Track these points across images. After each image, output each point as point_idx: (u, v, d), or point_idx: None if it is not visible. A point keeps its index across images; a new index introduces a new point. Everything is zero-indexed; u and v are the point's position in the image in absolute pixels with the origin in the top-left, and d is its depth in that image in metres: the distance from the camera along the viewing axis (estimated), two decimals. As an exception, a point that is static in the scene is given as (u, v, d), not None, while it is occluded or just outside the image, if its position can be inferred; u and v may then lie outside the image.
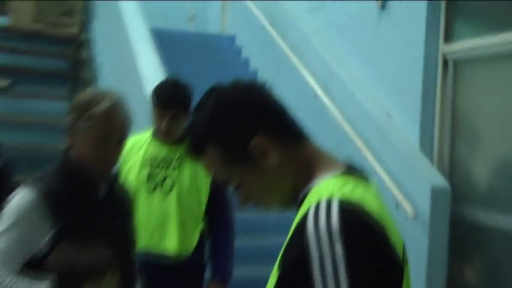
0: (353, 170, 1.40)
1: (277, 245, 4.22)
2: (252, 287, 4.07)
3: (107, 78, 5.98)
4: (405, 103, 4.46)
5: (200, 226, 3.19)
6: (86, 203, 2.10)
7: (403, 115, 4.46)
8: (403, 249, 1.33)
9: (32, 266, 1.99)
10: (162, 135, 3.09)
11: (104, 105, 2.04)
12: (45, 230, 1.99)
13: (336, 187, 1.28)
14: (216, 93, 1.40)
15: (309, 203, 1.27)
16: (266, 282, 4.01)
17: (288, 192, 1.40)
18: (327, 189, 1.29)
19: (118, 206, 2.24)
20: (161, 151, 3.13)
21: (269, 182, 1.38)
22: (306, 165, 1.38)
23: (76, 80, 7.12)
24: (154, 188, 3.09)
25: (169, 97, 3.02)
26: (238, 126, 1.36)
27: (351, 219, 1.20)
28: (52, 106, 6.78)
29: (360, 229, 1.20)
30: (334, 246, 1.16)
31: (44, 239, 1.98)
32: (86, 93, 2.16)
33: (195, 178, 3.12)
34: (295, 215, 1.34)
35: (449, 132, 4.21)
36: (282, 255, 1.27)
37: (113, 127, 2.07)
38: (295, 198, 1.38)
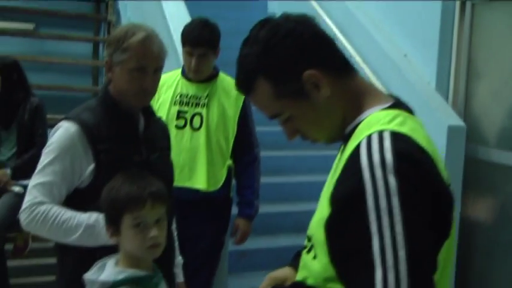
0: (400, 104, 1.38)
1: (295, 183, 4.38)
2: (270, 223, 4.29)
3: (131, 19, 6.02)
4: (422, 44, 4.47)
5: (228, 163, 3.28)
6: (125, 136, 2.11)
7: (420, 56, 4.48)
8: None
9: (74, 198, 2.05)
10: (192, 73, 3.17)
11: (139, 36, 2.04)
12: (87, 163, 2.02)
13: (386, 119, 1.28)
14: (267, 26, 1.36)
15: (360, 135, 1.26)
16: (280, 220, 4.14)
17: (337, 125, 1.38)
18: (377, 121, 1.28)
19: (156, 140, 2.25)
20: (190, 89, 3.23)
21: (320, 115, 1.36)
22: (355, 98, 1.37)
23: (99, 22, 7.15)
24: (184, 125, 3.18)
25: (198, 36, 3.10)
26: (292, 59, 1.33)
27: (404, 152, 1.19)
28: (76, 48, 6.84)
29: (413, 162, 1.19)
30: (388, 179, 1.15)
31: (85, 171, 2.02)
32: (121, 28, 2.15)
33: (223, 116, 3.21)
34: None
35: (465, 73, 4.25)
36: (334, 190, 1.25)
37: (149, 57, 2.05)
38: (343, 131, 1.38)
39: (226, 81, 3.31)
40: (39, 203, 1.98)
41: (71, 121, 2.05)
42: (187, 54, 3.14)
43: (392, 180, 1.15)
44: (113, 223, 1.79)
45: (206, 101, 3.20)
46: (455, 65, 4.32)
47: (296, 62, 1.33)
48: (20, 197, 3.94)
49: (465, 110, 4.25)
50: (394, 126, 1.25)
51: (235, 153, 3.32)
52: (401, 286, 1.11)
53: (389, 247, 1.13)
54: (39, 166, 2.04)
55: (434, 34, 4.33)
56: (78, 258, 2.00)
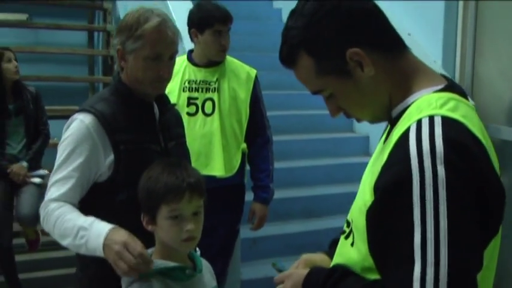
0: (454, 86, 1.30)
1: (301, 168, 4.25)
2: (278, 209, 4.23)
3: (128, 7, 5.91)
4: (428, 21, 4.44)
5: (242, 146, 3.22)
6: (143, 126, 2.04)
7: (426, 34, 4.44)
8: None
9: (95, 193, 1.97)
10: (221, 54, 3.14)
11: (153, 23, 1.94)
12: (105, 155, 1.94)
13: (438, 103, 1.20)
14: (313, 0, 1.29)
15: (409, 119, 1.20)
16: (287, 206, 4.01)
17: (381, 106, 1.31)
18: (429, 105, 1.20)
19: (172, 128, 2.18)
20: (198, 74, 3.16)
21: (362, 95, 1.29)
22: (404, 78, 1.29)
23: (94, 11, 7.00)
24: (196, 112, 3.11)
25: (225, 12, 3.09)
26: (335, 36, 1.26)
27: (455, 140, 1.12)
28: (71, 37, 6.70)
29: (464, 152, 1.12)
30: (436, 169, 1.09)
31: (104, 163, 1.94)
32: (131, 13, 2.03)
33: (234, 99, 3.15)
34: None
35: (471, 51, 4.21)
36: (380, 176, 1.19)
37: (164, 44, 1.97)
38: (389, 112, 1.32)
39: (234, 64, 3.26)
40: (53, 200, 1.92)
41: (86, 112, 1.97)
42: (216, 34, 3.08)
43: (441, 171, 1.09)
44: (149, 212, 1.74)
45: (216, 85, 3.14)
46: (461, 43, 4.28)
47: (340, 39, 1.26)
48: (41, 187, 4.04)
49: (472, 87, 4.23)
50: (446, 111, 1.18)
51: (248, 136, 3.26)
52: (440, 285, 1.06)
53: (431, 242, 1.08)
54: (57, 162, 1.96)
55: (439, 12, 4.30)
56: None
